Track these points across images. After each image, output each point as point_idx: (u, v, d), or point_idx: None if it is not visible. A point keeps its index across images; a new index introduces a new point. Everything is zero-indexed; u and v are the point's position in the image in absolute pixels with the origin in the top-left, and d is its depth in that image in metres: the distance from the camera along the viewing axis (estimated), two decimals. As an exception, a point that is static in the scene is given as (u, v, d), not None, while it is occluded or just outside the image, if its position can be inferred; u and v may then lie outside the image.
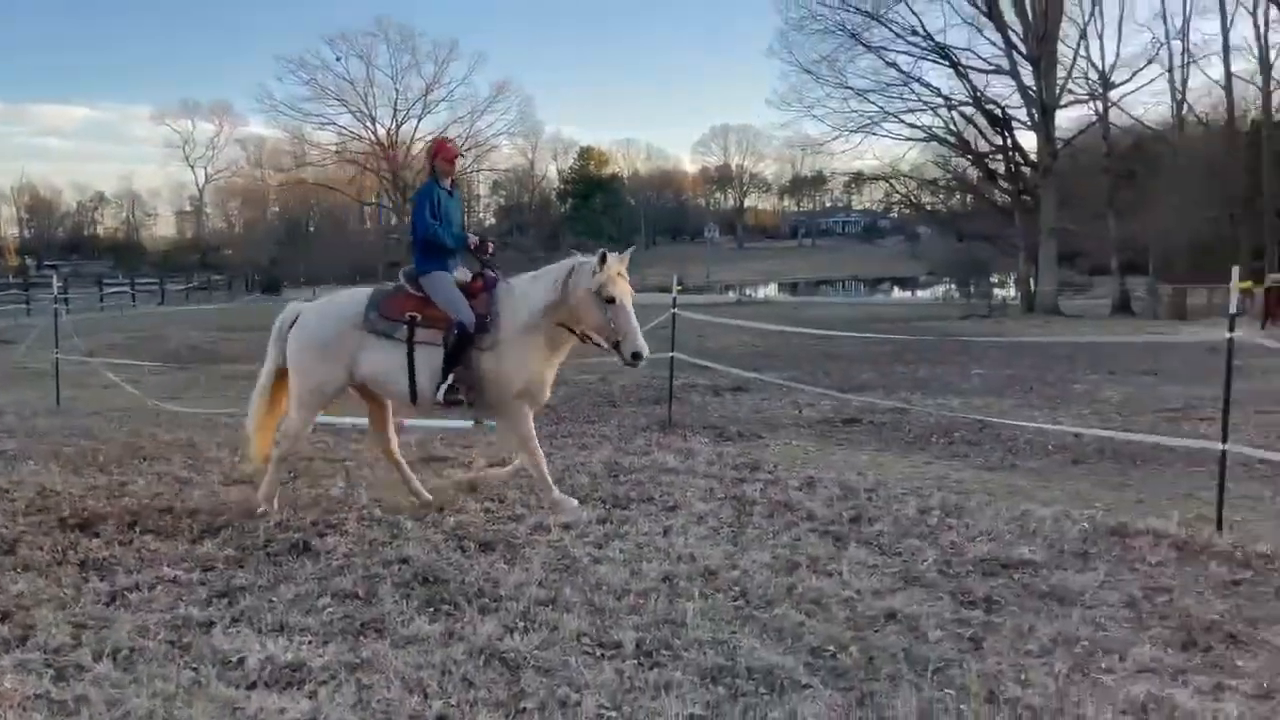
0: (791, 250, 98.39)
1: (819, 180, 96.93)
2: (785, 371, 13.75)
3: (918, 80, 39.26)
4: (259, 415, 6.36)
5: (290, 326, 6.32)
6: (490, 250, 6.37)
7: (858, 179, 64.67)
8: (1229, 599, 4.48)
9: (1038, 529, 5.58)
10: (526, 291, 6.13)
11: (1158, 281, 37.23)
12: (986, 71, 38.11)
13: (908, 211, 52.51)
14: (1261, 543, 5.19)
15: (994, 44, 37.42)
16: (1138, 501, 6.44)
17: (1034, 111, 36.59)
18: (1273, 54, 35.52)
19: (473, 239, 6.33)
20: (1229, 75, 36.87)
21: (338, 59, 61.45)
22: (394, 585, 4.66)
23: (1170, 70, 37.76)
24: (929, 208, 50.02)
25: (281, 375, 6.33)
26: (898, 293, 64.21)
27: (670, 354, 10.01)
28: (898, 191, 49.63)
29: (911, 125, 40.40)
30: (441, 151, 6.53)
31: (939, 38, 38.13)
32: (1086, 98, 38.24)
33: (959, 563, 5.02)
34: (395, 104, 63.77)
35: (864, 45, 38.79)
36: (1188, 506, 6.15)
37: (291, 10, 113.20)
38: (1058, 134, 37.41)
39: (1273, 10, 34.58)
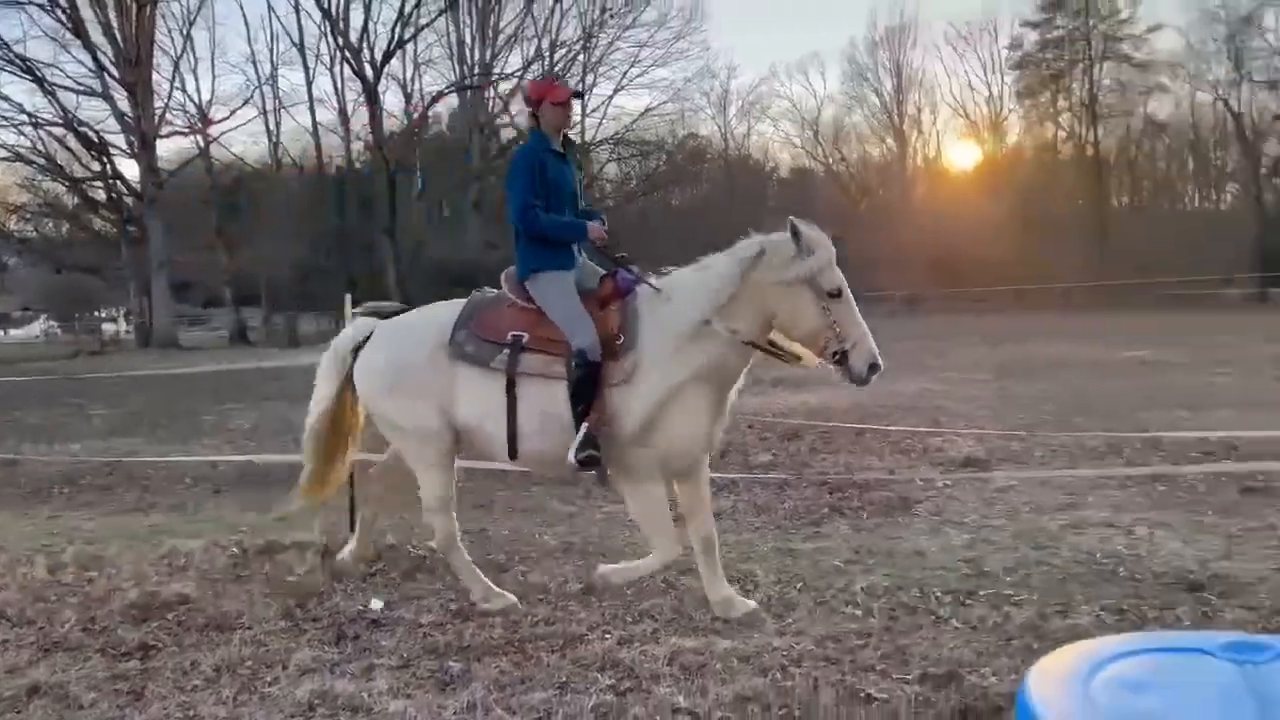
0: None
1: None
2: None
3: (-5, 93, 34.82)
4: (312, 461, 5.11)
5: (358, 349, 4.84)
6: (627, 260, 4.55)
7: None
8: (366, 591, 5.02)
9: (188, 563, 5.48)
10: (682, 293, 4.34)
11: (271, 311, 39.57)
12: (78, 92, 35.69)
13: (-8, 238, 45.96)
14: (388, 536, 5.91)
15: (84, 64, 35.26)
16: (278, 519, 6.73)
17: (133, 139, 35.52)
18: (350, 109, 40.68)
19: (595, 228, 4.47)
20: (315, 124, 41.08)
21: None
22: None
23: (265, 113, 40.45)
24: (18, 235, 44.61)
25: (342, 407, 5.04)
26: (-13, 331, 55.90)
27: None
28: (-21, 215, 43.21)
29: (-8, 142, 35.64)
30: (549, 93, 4.58)
31: (19, 48, 34.46)
32: (187, 130, 38.64)
33: (105, 616, 4.65)
34: None
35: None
36: (325, 515, 6.67)
37: None
38: (161, 164, 36.94)
39: (347, 70, 39.50)
